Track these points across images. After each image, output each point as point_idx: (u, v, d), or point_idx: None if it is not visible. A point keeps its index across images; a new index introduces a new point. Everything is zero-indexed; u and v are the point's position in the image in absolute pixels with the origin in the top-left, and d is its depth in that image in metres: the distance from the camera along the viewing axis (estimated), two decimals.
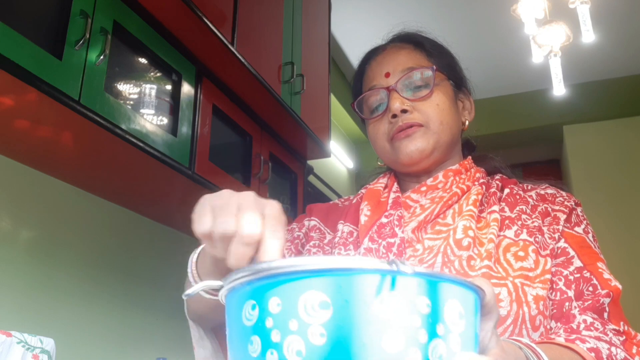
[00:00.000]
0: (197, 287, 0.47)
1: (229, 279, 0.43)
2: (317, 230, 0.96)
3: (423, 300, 0.39)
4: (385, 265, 0.38)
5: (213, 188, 1.66)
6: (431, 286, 0.39)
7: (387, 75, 0.93)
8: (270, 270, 0.40)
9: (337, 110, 3.60)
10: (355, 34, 3.49)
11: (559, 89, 2.56)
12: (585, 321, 0.74)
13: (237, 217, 0.48)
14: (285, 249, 0.95)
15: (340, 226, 0.93)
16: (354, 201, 0.99)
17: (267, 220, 0.49)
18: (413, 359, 0.37)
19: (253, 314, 0.40)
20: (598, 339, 0.71)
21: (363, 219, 0.90)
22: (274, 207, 0.50)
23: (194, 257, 0.68)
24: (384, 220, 0.88)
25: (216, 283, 0.46)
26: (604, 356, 0.68)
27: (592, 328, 0.73)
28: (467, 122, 0.98)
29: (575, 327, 0.74)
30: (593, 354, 0.67)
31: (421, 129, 0.90)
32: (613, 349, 0.70)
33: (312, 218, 0.98)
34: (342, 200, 1.04)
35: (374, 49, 1.02)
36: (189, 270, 0.67)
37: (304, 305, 0.38)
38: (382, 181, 0.98)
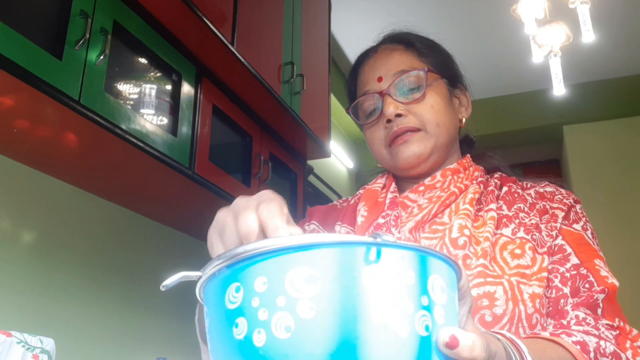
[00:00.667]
0: (175, 277, 0.46)
1: (208, 267, 0.43)
2: None
3: (408, 272, 0.40)
4: (369, 238, 0.39)
5: (213, 188, 1.66)
6: (415, 259, 0.40)
7: (380, 79, 0.93)
8: (250, 252, 0.40)
9: (337, 110, 3.60)
10: (355, 34, 3.49)
11: (559, 89, 2.56)
12: (577, 317, 0.74)
13: (237, 230, 0.50)
14: None
15: (337, 227, 0.93)
16: (352, 202, 0.99)
17: (261, 209, 0.50)
18: (401, 328, 0.38)
19: (237, 296, 0.40)
20: (587, 332, 0.70)
21: (360, 219, 0.90)
22: (265, 194, 0.52)
23: None
24: (380, 220, 0.88)
25: (194, 273, 0.46)
26: (591, 349, 0.67)
27: (583, 323, 0.73)
28: (464, 119, 0.97)
29: (565, 322, 0.73)
30: (579, 347, 0.67)
31: (418, 133, 0.89)
32: (602, 342, 0.69)
33: (311, 222, 0.98)
34: (341, 201, 1.03)
35: (365, 51, 1.01)
36: None
37: (291, 281, 0.38)
38: (380, 181, 0.98)
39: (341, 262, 0.39)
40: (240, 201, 0.52)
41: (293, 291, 0.38)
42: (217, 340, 0.42)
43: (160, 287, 0.47)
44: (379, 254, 0.39)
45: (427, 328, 0.39)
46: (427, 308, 0.40)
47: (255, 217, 0.49)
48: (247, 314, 0.39)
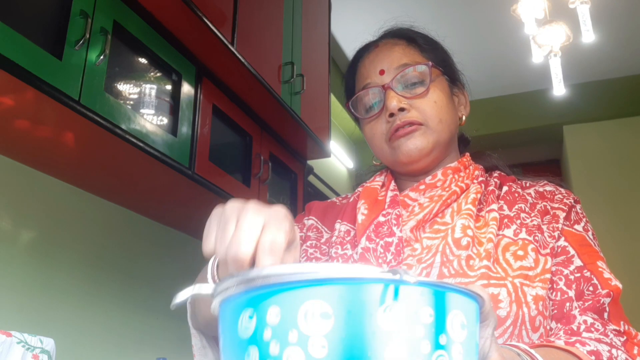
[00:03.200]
0: (186, 292, 0.46)
1: (221, 285, 0.41)
2: (315, 230, 0.95)
3: (426, 310, 0.38)
4: (388, 274, 0.37)
5: (213, 188, 1.66)
6: (434, 296, 0.38)
7: (382, 72, 0.91)
8: (269, 279, 0.38)
9: (337, 110, 3.60)
10: (355, 34, 3.47)
11: (559, 89, 2.56)
12: (585, 322, 0.73)
13: (233, 238, 0.48)
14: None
15: (337, 225, 0.92)
16: (351, 199, 0.98)
17: (265, 233, 0.48)
18: None
19: (250, 324, 0.39)
20: (599, 340, 0.70)
21: (360, 217, 0.89)
22: (275, 216, 0.49)
23: (215, 260, 0.67)
24: (381, 219, 0.87)
25: (207, 290, 0.45)
26: (605, 358, 0.68)
27: (592, 329, 0.72)
28: (463, 117, 0.97)
29: (575, 328, 0.73)
30: (593, 357, 0.67)
31: (420, 128, 0.88)
32: (614, 350, 0.69)
33: (310, 217, 0.97)
34: (340, 198, 1.03)
35: (365, 45, 0.99)
36: (208, 271, 0.66)
37: (304, 316, 0.37)
38: (379, 179, 0.97)
39: (356, 299, 0.37)
40: (250, 209, 0.49)
41: (305, 327, 0.36)
42: None
43: (170, 307, 0.47)
44: (397, 292, 0.37)
45: None
46: (445, 347, 0.38)
47: (252, 244, 0.47)
48: (259, 345, 0.38)
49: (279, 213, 0.50)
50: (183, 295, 0.46)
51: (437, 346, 0.38)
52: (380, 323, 0.36)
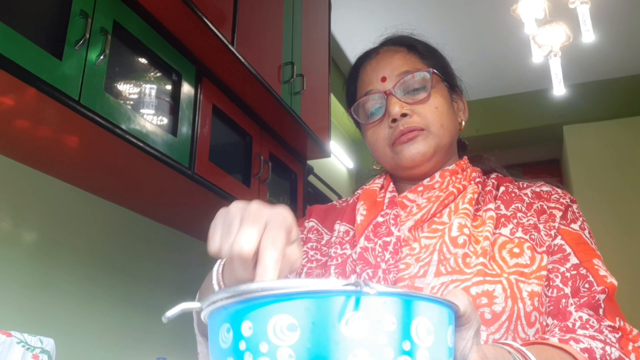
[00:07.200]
0: (176, 308, 0.49)
1: (207, 301, 0.45)
2: (315, 232, 0.97)
3: (388, 318, 0.40)
4: (350, 286, 0.40)
5: (213, 188, 1.66)
6: (397, 304, 0.41)
7: (384, 79, 0.93)
8: (243, 295, 0.41)
9: (337, 110, 3.59)
10: (355, 34, 3.49)
11: (559, 89, 2.56)
12: (581, 318, 0.75)
13: (237, 236, 0.50)
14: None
15: (337, 226, 0.94)
16: (351, 201, 1.00)
17: (267, 230, 0.50)
18: None
19: (228, 337, 0.42)
20: (593, 338, 0.71)
21: (359, 218, 0.90)
22: (277, 215, 0.51)
23: (220, 266, 0.68)
24: (380, 219, 0.89)
25: (195, 305, 0.48)
26: (598, 356, 0.68)
27: (587, 326, 0.73)
28: (463, 123, 0.99)
29: (570, 325, 0.74)
30: (586, 355, 0.68)
31: (422, 133, 0.90)
32: (607, 347, 0.70)
33: (310, 220, 0.99)
34: (340, 201, 1.05)
35: (366, 53, 1.02)
36: (213, 276, 0.67)
37: (273, 328, 0.40)
38: (378, 182, 0.99)
39: (320, 311, 0.39)
40: (253, 208, 0.52)
41: (275, 338, 0.39)
42: None
43: (162, 319, 0.49)
44: (357, 302, 0.40)
45: None
46: (409, 353, 0.40)
47: (255, 240, 0.49)
48: (235, 356, 0.41)
49: (281, 211, 0.52)
50: (173, 311, 0.49)
51: (401, 352, 0.40)
52: (344, 332, 0.39)
